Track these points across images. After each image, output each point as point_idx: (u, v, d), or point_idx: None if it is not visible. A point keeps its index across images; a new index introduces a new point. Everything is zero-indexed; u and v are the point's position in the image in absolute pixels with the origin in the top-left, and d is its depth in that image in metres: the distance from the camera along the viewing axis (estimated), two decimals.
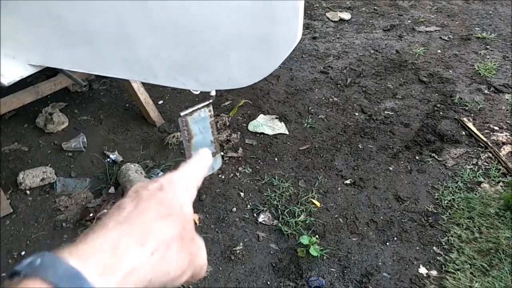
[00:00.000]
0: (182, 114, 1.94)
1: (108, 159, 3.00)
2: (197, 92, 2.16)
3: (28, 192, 2.78)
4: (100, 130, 3.28)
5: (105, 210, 2.61)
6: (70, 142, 3.08)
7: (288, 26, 1.52)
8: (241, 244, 2.53)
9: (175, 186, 0.64)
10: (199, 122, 1.99)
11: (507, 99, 3.52)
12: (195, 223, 2.63)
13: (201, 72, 1.87)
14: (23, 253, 2.47)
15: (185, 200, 0.63)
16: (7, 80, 2.35)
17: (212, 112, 2.03)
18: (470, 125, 3.23)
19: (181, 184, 0.65)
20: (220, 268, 2.42)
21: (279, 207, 2.72)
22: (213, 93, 2.00)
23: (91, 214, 2.59)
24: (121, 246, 0.52)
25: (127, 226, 0.55)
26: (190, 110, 1.96)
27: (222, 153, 3.06)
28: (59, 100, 3.47)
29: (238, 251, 2.49)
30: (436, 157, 3.04)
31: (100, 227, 0.55)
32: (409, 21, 4.58)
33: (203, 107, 1.99)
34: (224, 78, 1.84)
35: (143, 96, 3.24)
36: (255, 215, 2.69)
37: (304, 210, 2.70)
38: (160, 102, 3.53)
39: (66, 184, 2.81)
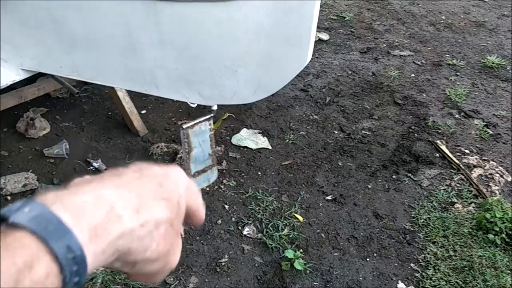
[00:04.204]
0: (184, 126, 1.99)
1: (92, 167, 2.98)
2: (195, 105, 2.20)
3: (9, 197, 2.73)
4: (82, 137, 3.25)
5: None
6: (52, 149, 3.04)
7: (300, 47, 1.60)
8: (226, 256, 2.57)
9: (179, 180, 0.62)
10: (200, 135, 2.04)
11: (476, 124, 3.71)
12: (180, 234, 2.65)
13: (206, 86, 1.92)
14: None
15: (183, 195, 0.61)
16: None
17: (212, 126, 2.09)
18: (443, 147, 3.40)
19: (184, 182, 0.62)
20: (206, 280, 2.44)
21: (263, 220, 2.77)
22: (214, 107, 2.05)
23: None
24: (117, 208, 0.51)
25: (125, 191, 0.54)
26: (192, 123, 2.01)
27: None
28: (39, 105, 3.42)
29: (223, 263, 2.52)
30: (412, 177, 3.18)
31: (96, 182, 0.54)
32: (384, 45, 4.77)
33: (204, 120, 2.04)
34: (229, 93, 1.89)
35: (128, 105, 3.24)
36: (239, 227, 2.73)
37: (288, 224, 2.76)
38: (143, 111, 3.54)
39: (48, 191, 2.76)
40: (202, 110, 3.64)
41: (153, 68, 1.97)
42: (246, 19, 1.68)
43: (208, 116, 2.00)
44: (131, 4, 1.84)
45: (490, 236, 2.69)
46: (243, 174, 3.10)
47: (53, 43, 2.16)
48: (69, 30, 2.06)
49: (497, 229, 2.70)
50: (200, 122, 1.99)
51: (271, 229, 2.72)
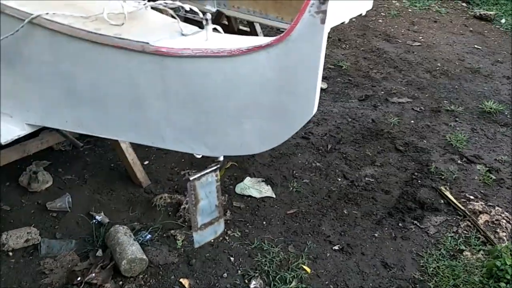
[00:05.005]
0: (191, 178, 1.98)
1: (94, 220, 2.94)
2: (200, 156, 2.20)
3: (10, 253, 2.68)
4: (85, 190, 3.23)
5: (93, 274, 2.53)
6: (55, 202, 3.01)
7: (306, 98, 1.61)
8: None
9: None
10: (206, 186, 2.03)
11: (479, 170, 3.71)
12: None
13: (212, 137, 1.92)
14: None
15: None
16: (3, 139, 2.34)
17: (219, 177, 2.08)
18: (448, 194, 3.38)
19: None
20: None
21: (270, 273, 2.71)
22: (221, 158, 2.05)
23: (78, 278, 2.51)
24: None
25: None
26: (198, 174, 2.00)
27: None
28: (42, 158, 3.41)
29: None
30: (418, 224, 3.14)
31: None
32: (382, 92, 4.83)
33: (210, 171, 2.03)
34: (235, 144, 1.90)
35: (131, 156, 3.24)
36: (246, 281, 2.67)
37: (296, 276, 2.70)
38: (146, 162, 3.53)
39: (50, 245, 2.72)
40: (205, 159, 3.65)
41: (159, 121, 1.98)
42: (251, 73, 1.71)
43: (214, 167, 2.00)
44: (138, 59, 1.87)
45: (502, 284, 2.64)
46: (247, 224, 3.06)
47: (59, 98, 2.19)
48: (76, 85, 2.09)
49: (509, 277, 2.64)
50: (207, 173, 1.99)
51: (279, 282, 2.66)
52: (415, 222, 3.16)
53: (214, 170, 2.01)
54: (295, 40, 1.53)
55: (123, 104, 1.99)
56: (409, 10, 7.03)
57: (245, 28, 4.85)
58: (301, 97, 1.64)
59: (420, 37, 6.15)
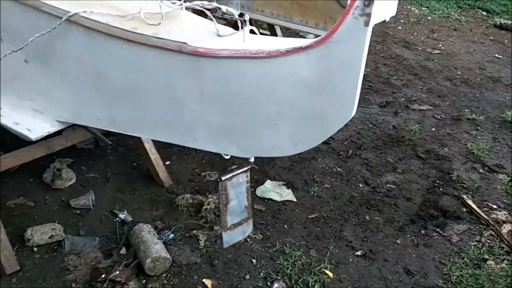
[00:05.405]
0: (223, 178, 1.98)
1: (117, 218, 2.96)
2: (228, 157, 2.20)
3: (35, 249, 2.69)
4: (108, 188, 3.25)
5: (117, 272, 2.54)
6: (79, 199, 3.03)
7: (345, 101, 1.61)
8: None
9: None
10: (237, 187, 2.03)
11: (501, 179, 3.68)
12: None
13: (246, 139, 1.91)
14: None
15: None
16: (34, 135, 2.35)
17: (249, 178, 2.08)
18: (471, 202, 3.35)
19: None
20: None
21: (292, 276, 2.70)
22: (252, 159, 2.05)
23: (102, 275, 2.52)
24: None
25: None
26: (230, 175, 2.00)
27: None
28: (65, 156, 3.44)
29: None
30: (440, 232, 3.12)
31: None
32: (403, 99, 4.81)
33: (241, 172, 2.03)
34: (268, 146, 1.89)
35: (154, 156, 3.25)
36: (268, 283, 2.66)
37: (318, 280, 2.69)
38: (168, 162, 3.54)
39: (74, 242, 2.74)
40: (225, 162, 3.65)
41: (192, 121, 1.98)
42: (290, 75, 1.70)
43: (245, 168, 2.00)
44: (174, 59, 1.87)
45: None
46: (269, 227, 3.06)
47: (92, 96, 2.20)
48: (110, 84, 2.10)
49: None
50: (238, 174, 1.99)
51: (301, 285, 2.65)
52: (438, 229, 3.14)
53: (245, 171, 2.01)
54: (336, 42, 1.53)
55: (157, 103, 1.99)
56: (429, 17, 7.02)
57: (265, 32, 4.86)
58: (340, 99, 1.63)
59: (440, 45, 6.13)
